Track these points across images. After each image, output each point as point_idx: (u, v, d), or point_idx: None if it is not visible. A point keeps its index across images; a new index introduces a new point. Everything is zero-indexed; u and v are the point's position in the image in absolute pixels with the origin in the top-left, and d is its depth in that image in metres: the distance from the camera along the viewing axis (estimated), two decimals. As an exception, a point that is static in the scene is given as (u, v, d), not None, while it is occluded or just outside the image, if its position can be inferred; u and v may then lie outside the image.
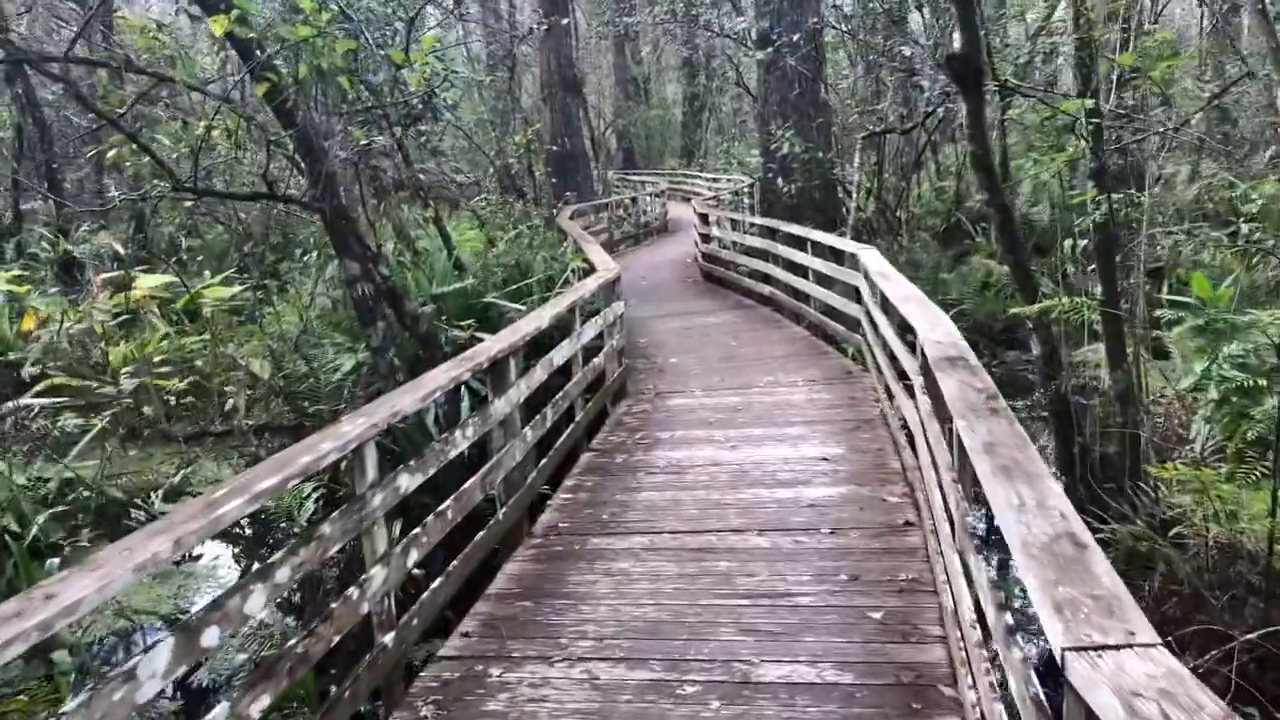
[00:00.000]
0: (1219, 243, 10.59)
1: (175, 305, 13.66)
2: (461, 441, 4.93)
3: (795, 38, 14.14)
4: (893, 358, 7.42)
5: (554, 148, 27.02)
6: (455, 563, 4.89)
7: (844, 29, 16.12)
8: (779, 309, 13.17)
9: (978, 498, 3.64)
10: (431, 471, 4.60)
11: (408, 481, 4.36)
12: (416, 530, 4.46)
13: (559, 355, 6.90)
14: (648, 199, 27.35)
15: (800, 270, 11.88)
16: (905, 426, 6.93)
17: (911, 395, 6.20)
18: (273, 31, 5.84)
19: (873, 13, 14.02)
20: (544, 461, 6.52)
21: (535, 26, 27.67)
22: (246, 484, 3.41)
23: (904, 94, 14.72)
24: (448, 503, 4.78)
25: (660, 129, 46.92)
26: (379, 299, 6.75)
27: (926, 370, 5.32)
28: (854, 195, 13.29)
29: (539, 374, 6.41)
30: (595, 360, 8.17)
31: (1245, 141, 17.56)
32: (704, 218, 16.94)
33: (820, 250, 11.23)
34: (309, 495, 6.81)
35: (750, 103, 29.86)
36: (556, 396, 6.88)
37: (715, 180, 32.29)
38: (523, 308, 9.16)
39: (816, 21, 14.33)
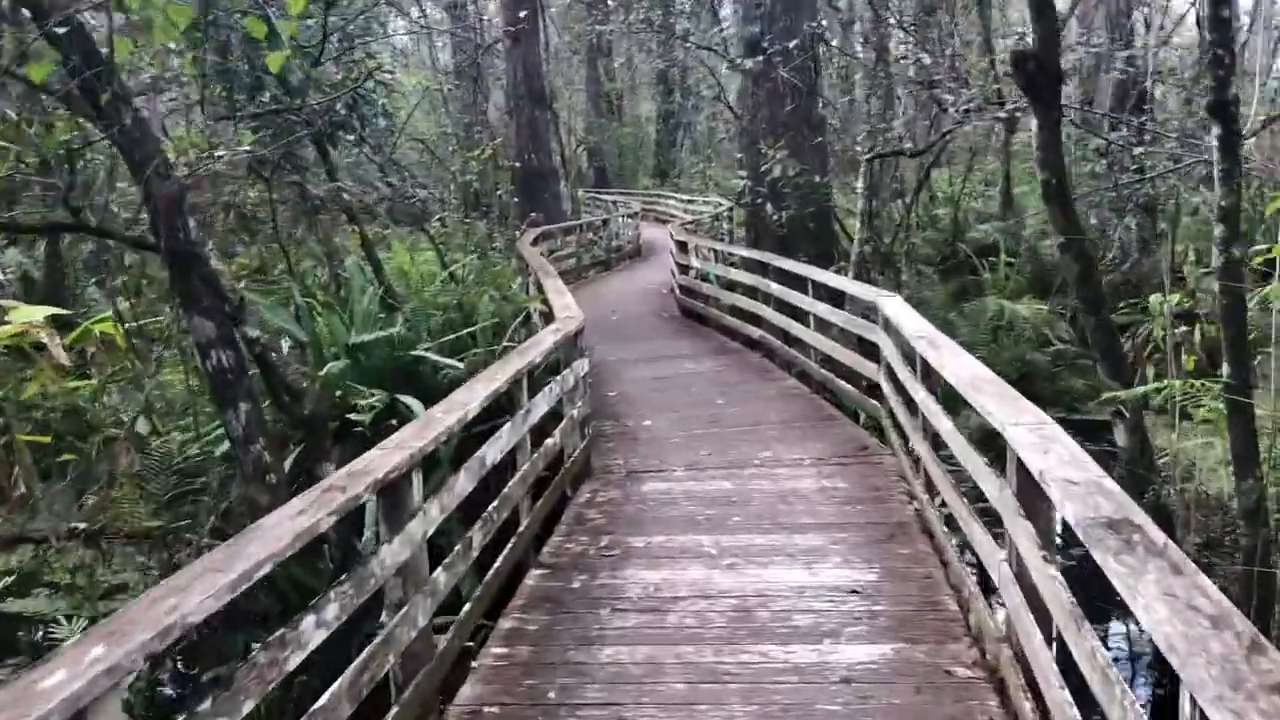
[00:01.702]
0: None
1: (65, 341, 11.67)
2: (312, 635, 3.06)
3: (789, 45, 12.45)
4: (938, 440, 5.68)
5: (520, 164, 25.26)
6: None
7: (844, 37, 14.45)
8: (770, 354, 11.41)
9: None
10: (249, 707, 2.74)
11: (192, 746, 2.49)
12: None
13: (494, 450, 5.04)
14: (620, 221, 25.58)
15: (795, 312, 10.13)
16: (965, 550, 5.17)
17: (991, 523, 4.44)
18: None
19: (882, 21, 12.39)
20: (468, 607, 4.66)
21: (502, 34, 25.95)
22: None
23: (914, 110, 13.07)
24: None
25: (634, 147, 45.29)
26: (241, 370, 4.88)
27: (1036, 517, 3.55)
28: (858, 226, 11.57)
29: (462, 484, 4.56)
30: (549, 441, 6.32)
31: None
32: (681, 245, 15.16)
33: (821, 291, 9.47)
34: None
35: (728, 121, 28.28)
36: (490, 507, 5.02)
37: (691, 202, 30.63)
38: (460, 365, 7.30)
39: (814, 26, 12.65)
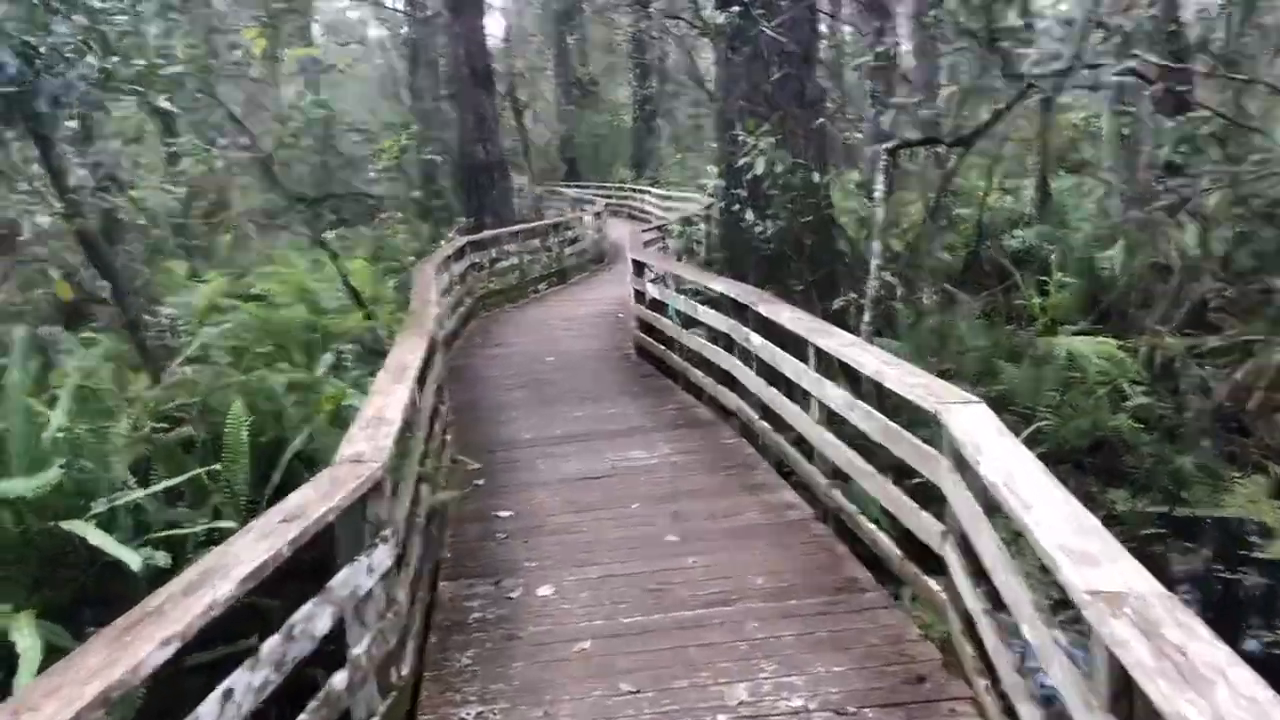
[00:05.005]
0: None
1: None
2: None
3: (777, -9, 8.91)
4: None
5: (463, 156, 21.72)
6: None
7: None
8: (749, 432, 7.91)
9: None
10: None
11: None
12: None
13: None
14: (583, 221, 21.99)
15: (790, 383, 6.63)
16: None
17: None
18: None
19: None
20: None
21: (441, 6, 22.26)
22: None
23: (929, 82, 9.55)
24: None
25: (610, 137, 41.52)
26: None
27: None
28: (876, 245, 7.98)
29: None
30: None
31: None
32: (639, 267, 11.60)
33: (830, 360, 5.96)
34: None
35: (708, 103, 24.74)
36: None
37: (668, 196, 27.16)
38: (134, 558, 3.74)
39: (811, -36, 9.13)
